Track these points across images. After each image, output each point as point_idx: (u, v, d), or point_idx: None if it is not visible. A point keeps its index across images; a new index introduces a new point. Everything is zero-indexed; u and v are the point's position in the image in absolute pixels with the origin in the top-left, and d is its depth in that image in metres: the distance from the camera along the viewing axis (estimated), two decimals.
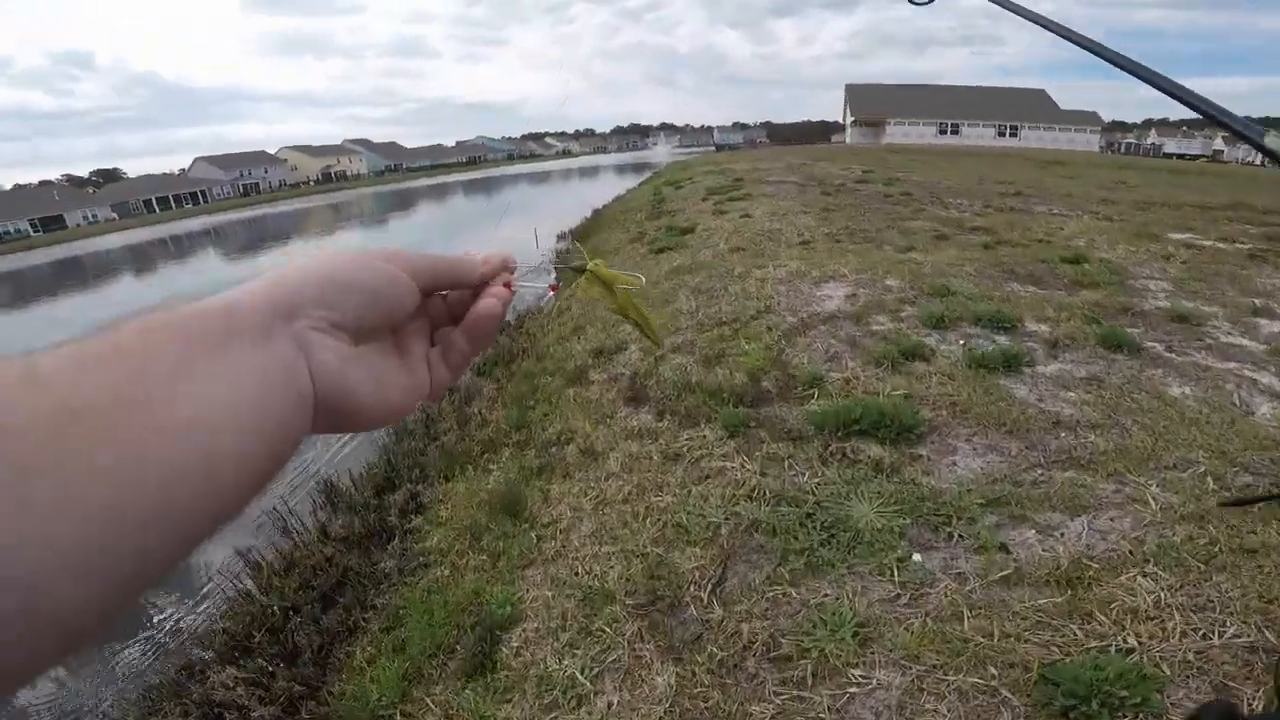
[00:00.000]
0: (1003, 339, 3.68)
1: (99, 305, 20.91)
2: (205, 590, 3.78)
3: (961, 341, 3.68)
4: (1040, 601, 2.18)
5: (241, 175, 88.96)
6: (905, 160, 23.53)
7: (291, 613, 3.28)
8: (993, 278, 4.92)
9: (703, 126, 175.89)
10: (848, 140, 60.37)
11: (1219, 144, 76.64)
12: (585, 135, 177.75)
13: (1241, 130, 0.55)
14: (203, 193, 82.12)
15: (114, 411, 0.22)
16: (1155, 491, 2.54)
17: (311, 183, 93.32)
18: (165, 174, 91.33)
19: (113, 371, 0.23)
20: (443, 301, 0.41)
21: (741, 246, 7.00)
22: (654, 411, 3.41)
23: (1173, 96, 0.60)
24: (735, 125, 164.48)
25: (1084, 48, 0.67)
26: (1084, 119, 57.78)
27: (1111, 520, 2.46)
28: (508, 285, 0.42)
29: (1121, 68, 0.65)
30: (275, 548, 3.81)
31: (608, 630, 2.33)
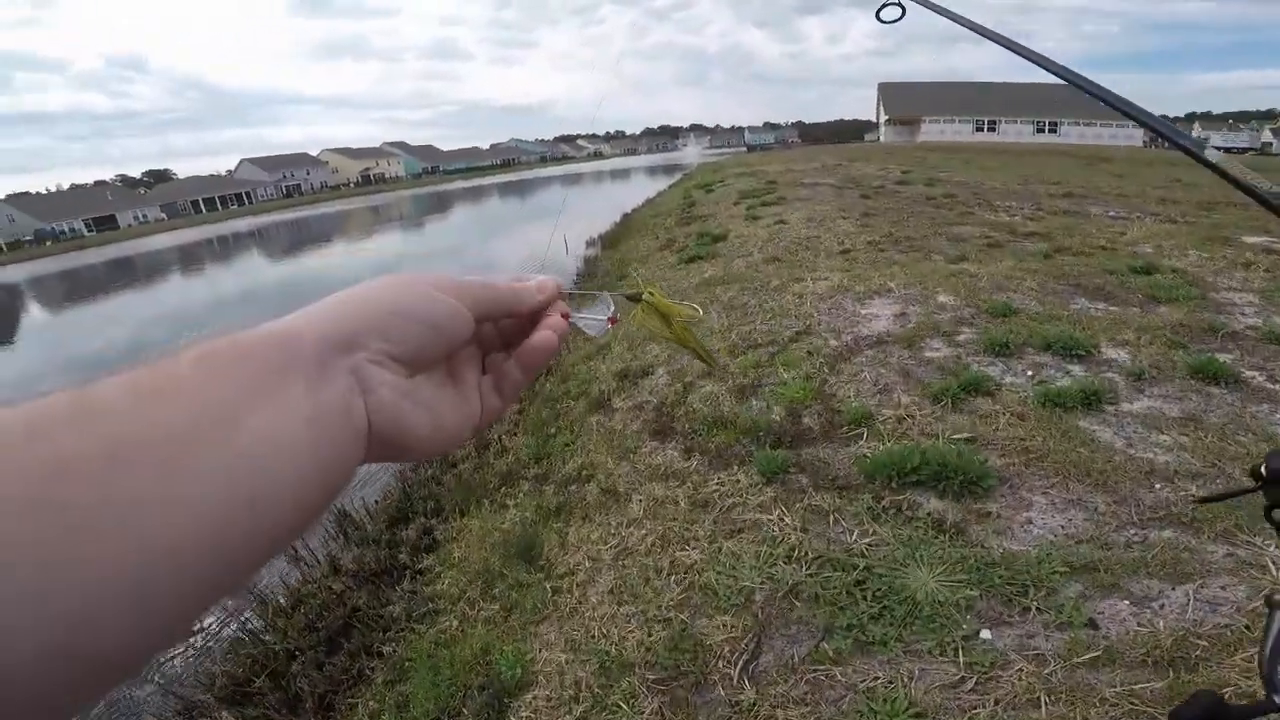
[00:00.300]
0: (1077, 369, 3.26)
1: (148, 304, 21.53)
2: (212, 623, 3.62)
3: (1030, 372, 3.28)
4: (1135, 686, 1.84)
5: (285, 177, 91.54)
6: (944, 159, 22.70)
7: (296, 654, 3.09)
8: (1057, 293, 4.46)
9: (733, 127, 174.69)
10: (881, 139, 59.39)
11: (1268, 135, 72.94)
12: (616, 137, 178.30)
13: (1179, 140, 0.54)
14: (247, 194, 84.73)
15: (167, 447, 0.22)
16: (1276, 553, 2.16)
17: (351, 185, 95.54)
18: (212, 175, 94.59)
19: (168, 406, 0.24)
20: (494, 327, 0.40)
21: (778, 256, 6.65)
22: (681, 448, 3.11)
23: (1108, 104, 0.61)
24: (766, 125, 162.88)
25: (1025, 56, 0.72)
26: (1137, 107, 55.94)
27: (1222, 589, 2.09)
28: (564, 315, 0.42)
29: (1054, 73, 0.67)
30: (283, 580, 3.63)
31: (624, 706, 2.06)
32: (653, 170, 58.79)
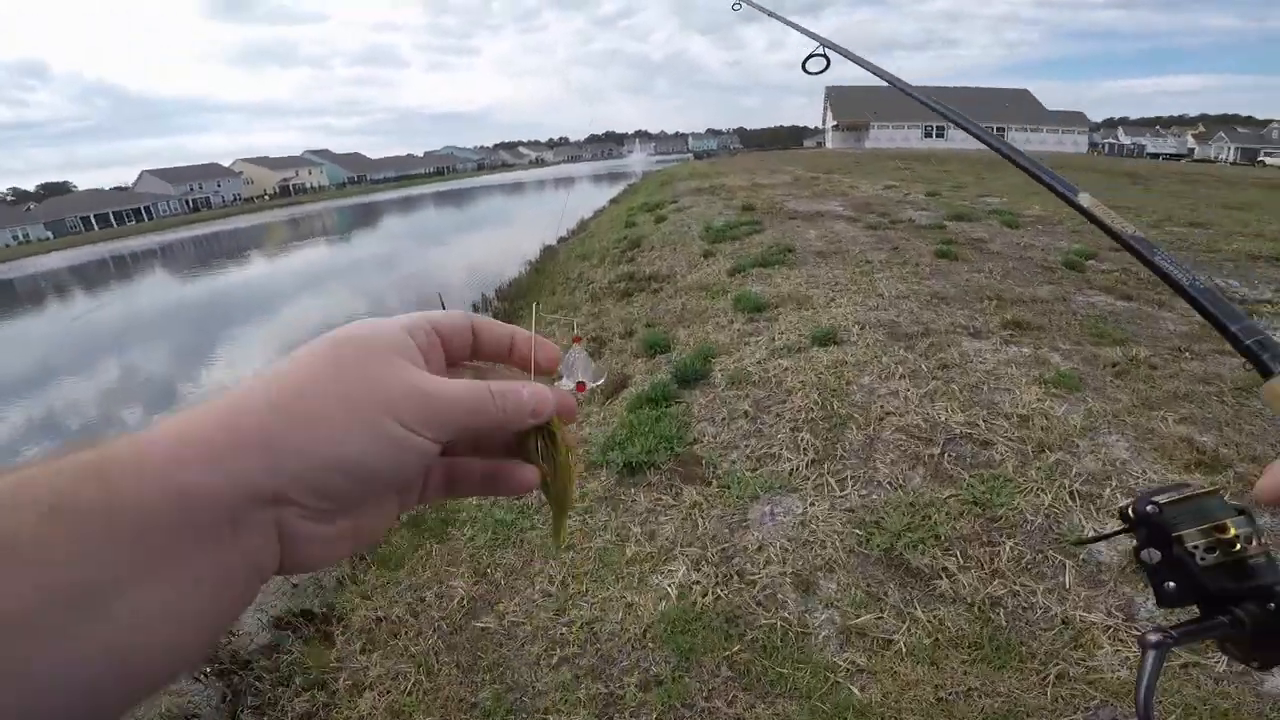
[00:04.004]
0: None
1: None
2: None
3: None
4: None
5: (191, 189, 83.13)
6: (938, 171, 18.99)
7: None
8: None
9: (676, 133, 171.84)
10: (828, 144, 57.44)
11: (1190, 142, 74.45)
12: (559, 144, 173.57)
13: (1057, 188, 0.58)
14: (147, 209, 76.34)
15: (20, 641, 0.19)
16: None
17: (267, 196, 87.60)
18: (105, 189, 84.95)
19: (21, 584, 0.19)
20: None
21: (892, 549, 2.11)
22: None
23: (998, 152, 0.68)
24: (709, 131, 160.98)
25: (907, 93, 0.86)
26: (1071, 119, 57.91)
27: None
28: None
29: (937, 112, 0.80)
30: None
31: None
32: (596, 178, 54.76)
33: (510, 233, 18.69)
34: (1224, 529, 0.37)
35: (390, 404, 0.25)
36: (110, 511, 0.20)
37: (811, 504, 2.51)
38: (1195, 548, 0.38)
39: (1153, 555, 0.39)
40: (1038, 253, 5.61)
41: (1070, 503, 2.38)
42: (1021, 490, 2.43)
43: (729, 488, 2.67)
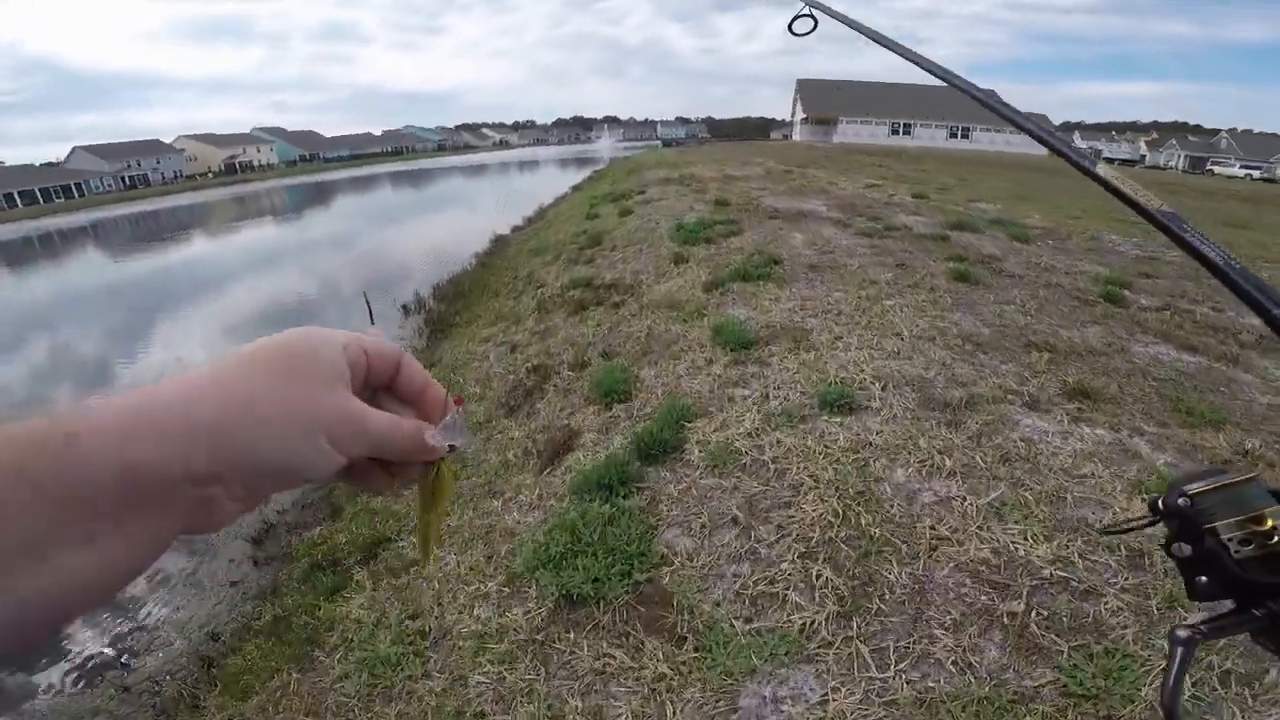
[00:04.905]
0: None
1: None
2: None
3: None
4: None
5: (128, 166, 78.17)
6: (915, 169, 18.47)
7: None
8: None
9: (646, 120, 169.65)
10: (796, 137, 57.32)
11: (1142, 148, 76.79)
12: (526, 126, 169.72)
13: (1076, 160, 0.55)
14: (78, 185, 71.53)
15: None
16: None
17: (211, 174, 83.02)
18: (35, 165, 79.16)
19: None
20: None
21: None
22: None
23: (1014, 124, 0.65)
24: (678, 119, 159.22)
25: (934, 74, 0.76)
26: (1035, 121, 59.04)
27: None
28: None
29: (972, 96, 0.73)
30: None
31: None
32: (562, 163, 53.31)
33: (458, 218, 17.41)
34: (1260, 520, 0.35)
35: (326, 424, 0.28)
36: (59, 478, 0.22)
37: (836, 688, 1.66)
38: (1229, 540, 0.35)
39: (1183, 549, 0.37)
40: (1062, 276, 4.87)
41: (1220, 690, 1.59)
42: (1150, 672, 1.62)
43: (711, 651, 1.80)
